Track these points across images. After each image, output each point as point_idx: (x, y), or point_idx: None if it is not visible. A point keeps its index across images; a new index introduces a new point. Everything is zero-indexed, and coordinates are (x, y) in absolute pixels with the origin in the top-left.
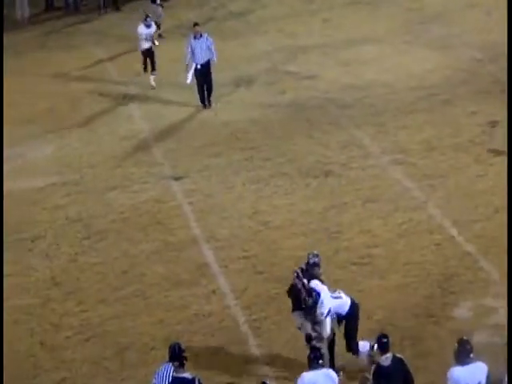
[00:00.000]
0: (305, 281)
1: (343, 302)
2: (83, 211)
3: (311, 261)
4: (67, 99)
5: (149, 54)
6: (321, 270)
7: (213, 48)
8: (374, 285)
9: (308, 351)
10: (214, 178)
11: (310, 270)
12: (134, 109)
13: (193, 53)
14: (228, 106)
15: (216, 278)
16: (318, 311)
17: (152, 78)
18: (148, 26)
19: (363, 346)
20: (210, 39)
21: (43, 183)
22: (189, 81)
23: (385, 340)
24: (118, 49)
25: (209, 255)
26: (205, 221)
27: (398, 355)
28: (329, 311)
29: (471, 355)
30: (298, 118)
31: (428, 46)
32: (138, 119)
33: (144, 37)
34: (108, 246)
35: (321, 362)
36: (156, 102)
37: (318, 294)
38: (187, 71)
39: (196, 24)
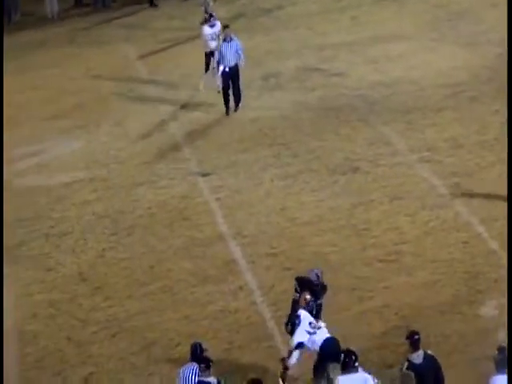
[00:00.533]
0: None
1: (314, 339)
2: (110, 207)
3: (312, 278)
4: (96, 95)
5: (214, 54)
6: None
7: (241, 52)
8: (401, 282)
9: None
10: (242, 174)
11: (310, 286)
12: (161, 106)
13: (222, 55)
14: (256, 102)
15: (243, 274)
16: (290, 342)
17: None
18: (212, 26)
19: None
20: (239, 43)
21: (71, 179)
22: (218, 83)
23: (416, 337)
24: (149, 46)
25: (236, 251)
26: (232, 217)
27: (430, 352)
28: (298, 345)
29: None
30: (327, 114)
31: (455, 43)
32: (166, 115)
33: (209, 37)
34: (135, 242)
35: (356, 364)
36: (184, 98)
37: (298, 324)
38: (215, 73)
39: (226, 26)
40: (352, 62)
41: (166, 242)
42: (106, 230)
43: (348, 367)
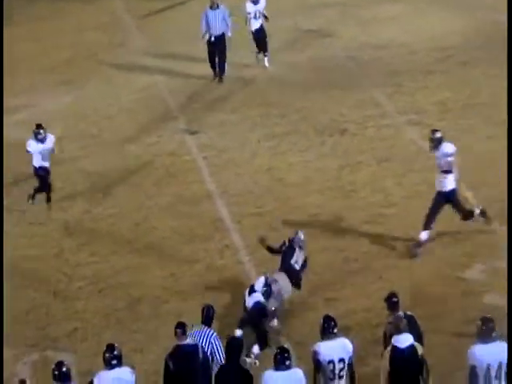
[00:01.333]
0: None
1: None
2: (99, 163)
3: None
4: (86, 51)
5: (260, 33)
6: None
7: (229, 20)
8: (386, 244)
9: None
10: (229, 133)
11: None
12: (150, 63)
13: (208, 23)
14: (246, 62)
15: (229, 233)
16: None
17: (265, 59)
18: (255, 2)
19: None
20: (228, 11)
21: (59, 134)
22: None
23: (395, 299)
24: (138, 1)
25: (223, 210)
26: (219, 176)
27: (409, 312)
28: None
29: (494, 334)
30: (316, 75)
31: (448, 7)
32: (155, 73)
33: (252, 15)
34: (122, 199)
35: (335, 331)
36: (173, 56)
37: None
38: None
39: None
40: (344, 24)
41: (153, 199)
42: (93, 186)
43: (327, 333)
